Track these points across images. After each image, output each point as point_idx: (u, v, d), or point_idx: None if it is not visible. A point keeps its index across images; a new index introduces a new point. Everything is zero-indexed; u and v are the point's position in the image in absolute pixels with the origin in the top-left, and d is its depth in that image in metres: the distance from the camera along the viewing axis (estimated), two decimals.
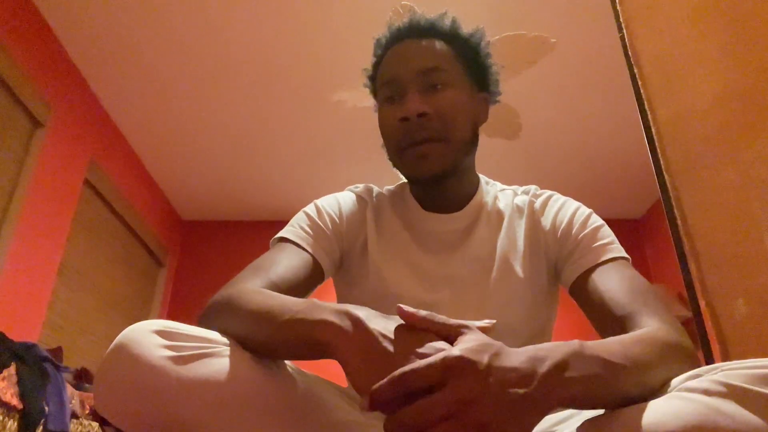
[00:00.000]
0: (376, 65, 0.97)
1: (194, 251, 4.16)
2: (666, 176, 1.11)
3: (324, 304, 0.58)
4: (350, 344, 0.53)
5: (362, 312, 0.55)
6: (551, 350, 0.52)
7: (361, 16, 2.50)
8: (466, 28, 0.96)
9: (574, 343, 0.54)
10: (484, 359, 0.48)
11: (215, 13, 2.52)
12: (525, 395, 0.48)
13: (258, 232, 4.23)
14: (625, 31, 1.24)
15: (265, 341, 0.61)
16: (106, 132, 3.17)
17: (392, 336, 0.53)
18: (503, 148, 3.25)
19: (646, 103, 1.17)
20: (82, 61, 2.78)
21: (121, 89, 2.98)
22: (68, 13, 2.51)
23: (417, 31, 0.93)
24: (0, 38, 2.26)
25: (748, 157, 0.96)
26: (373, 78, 0.99)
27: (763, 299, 0.91)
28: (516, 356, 0.50)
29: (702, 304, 1.02)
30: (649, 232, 3.99)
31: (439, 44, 0.91)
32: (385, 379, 0.49)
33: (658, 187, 1.13)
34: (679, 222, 1.08)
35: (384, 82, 0.92)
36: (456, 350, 0.49)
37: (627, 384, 0.55)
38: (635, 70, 1.20)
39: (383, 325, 0.54)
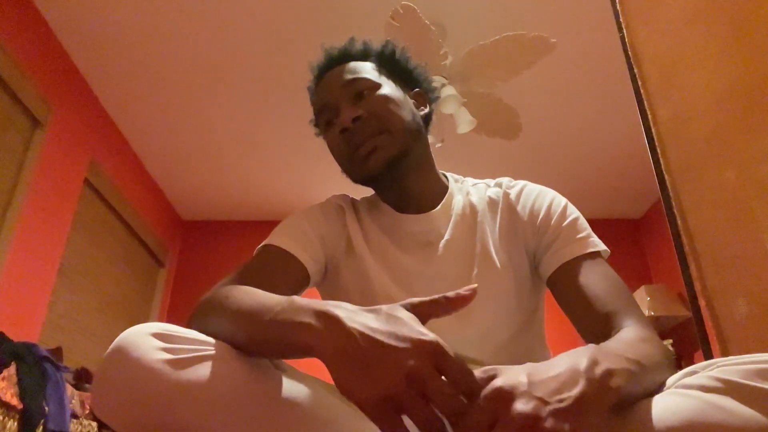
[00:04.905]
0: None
1: (194, 251, 4.15)
2: (666, 176, 1.11)
3: (303, 304, 0.57)
4: (329, 347, 0.52)
5: (342, 311, 0.54)
6: (578, 353, 0.52)
7: (360, 15, 2.50)
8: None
9: (592, 346, 0.54)
10: (524, 379, 0.47)
11: (215, 14, 2.52)
12: (580, 396, 0.46)
13: (258, 232, 4.22)
14: (625, 31, 1.24)
15: (249, 342, 0.60)
16: (106, 132, 3.17)
17: (374, 334, 0.51)
18: (504, 148, 3.25)
19: (646, 103, 1.17)
20: (82, 61, 2.78)
21: (121, 89, 2.98)
22: (68, 12, 2.51)
23: (335, 61, 0.98)
24: (0, 38, 2.26)
25: (748, 157, 0.95)
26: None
27: (763, 299, 0.91)
28: (549, 366, 0.50)
29: (702, 304, 1.02)
30: (649, 232, 3.99)
31: (356, 63, 0.96)
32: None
33: (658, 187, 1.13)
34: (679, 222, 1.08)
35: (318, 111, 0.96)
36: (493, 384, 0.48)
37: (646, 381, 0.56)
38: (635, 70, 1.20)
39: (363, 322, 0.52)
